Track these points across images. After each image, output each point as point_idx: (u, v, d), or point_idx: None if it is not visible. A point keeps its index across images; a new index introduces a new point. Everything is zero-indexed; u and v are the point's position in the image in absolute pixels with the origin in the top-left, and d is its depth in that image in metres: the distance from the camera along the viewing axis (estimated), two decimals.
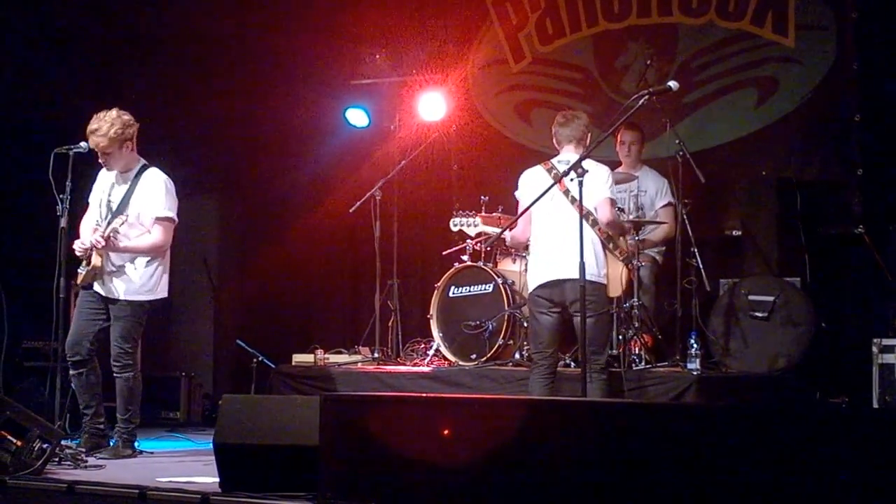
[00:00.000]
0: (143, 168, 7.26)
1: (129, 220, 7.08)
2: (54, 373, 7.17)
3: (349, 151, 10.70)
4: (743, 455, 4.09)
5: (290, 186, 11.21)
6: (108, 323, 7.20)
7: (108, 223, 7.08)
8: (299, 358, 9.13)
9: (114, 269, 7.14)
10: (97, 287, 7.15)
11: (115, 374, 7.13)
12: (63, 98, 9.63)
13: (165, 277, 7.34)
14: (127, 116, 7.16)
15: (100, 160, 7.19)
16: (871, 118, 8.41)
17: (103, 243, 7.02)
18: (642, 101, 6.64)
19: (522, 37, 10.12)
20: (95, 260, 7.09)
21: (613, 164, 8.67)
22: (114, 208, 7.16)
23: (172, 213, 7.24)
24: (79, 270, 7.19)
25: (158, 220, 7.17)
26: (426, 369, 8.32)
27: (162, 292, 7.33)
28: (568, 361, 7.94)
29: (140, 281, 7.17)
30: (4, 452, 5.86)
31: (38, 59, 9.91)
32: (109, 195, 7.24)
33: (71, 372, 7.15)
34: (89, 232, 7.24)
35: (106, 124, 7.06)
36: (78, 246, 7.14)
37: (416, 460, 4.67)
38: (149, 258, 7.20)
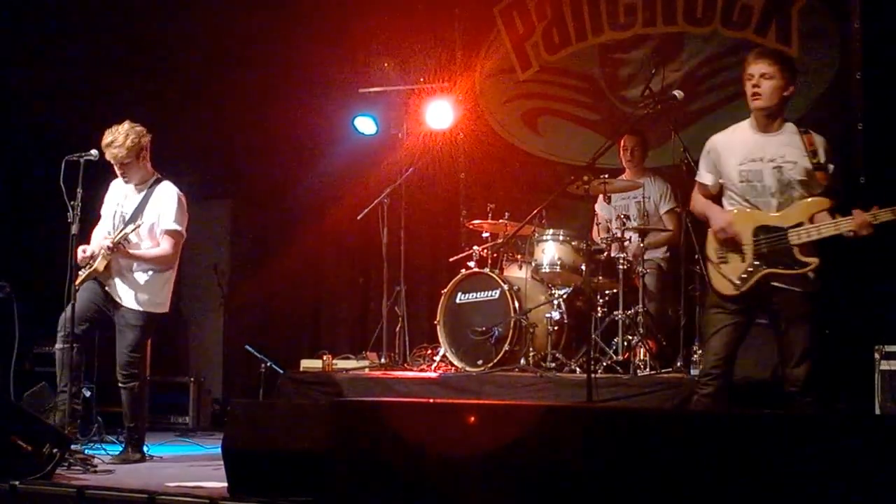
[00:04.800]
0: (157, 181, 7.32)
1: (141, 228, 7.16)
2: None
3: (357, 159, 10.74)
4: (746, 461, 4.12)
5: (299, 193, 11.27)
6: (107, 312, 7.26)
7: (121, 231, 7.15)
8: (307, 363, 9.17)
9: (125, 276, 7.20)
10: (109, 290, 7.22)
11: (120, 384, 7.17)
12: (75, 105, 9.71)
13: (170, 291, 7.41)
14: (139, 127, 7.22)
15: (118, 172, 7.24)
16: (875, 127, 8.44)
17: (111, 246, 7.09)
18: (648, 109, 6.70)
19: (529, 46, 10.17)
20: (99, 264, 7.13)
21: (618, 173, 8.75)
22: (127, 218, 7.23)
23: (181, 227, 7.29)
24: (79, 272, 7.22)
25: (167, 232, 7.22)
26: (433, 375, 8.35)
27: (166, 306, 7.39)
28: (574, 368, 8.00)
29: (154, 293, 7.23)
30: (15, 457, 5.92)
31: (50, 67, 9.99)
32: (123, 206, 7.30)
33: (58, 346, 7.12)
34: (99, 241, 7.31)
35: (121, 136, 7.12)
36: (81, 252, 7.19)
37: (424, 465, 4.70)
38: (160, 270, 7.26)
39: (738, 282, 5.89)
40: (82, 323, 7.14)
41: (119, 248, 7.10)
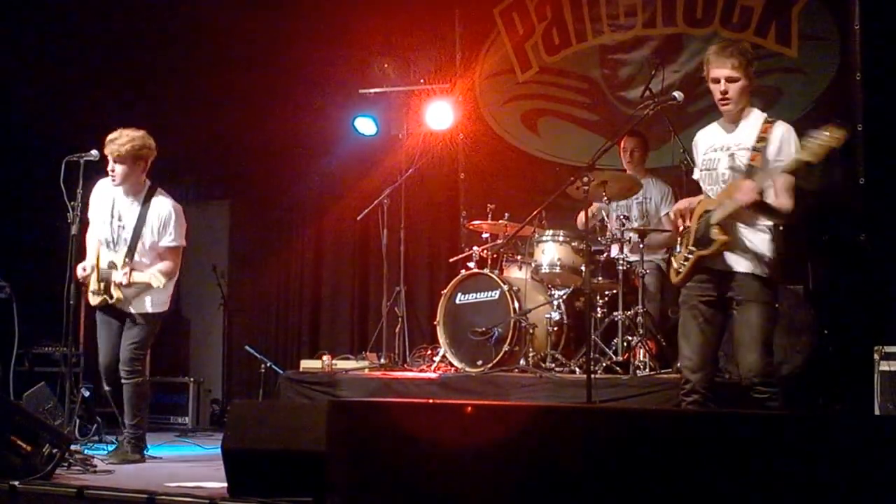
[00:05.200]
0: (151, 192, 7.31)
1: (141, 244, 7.19)
2: (64, 378, 7.27)
3: (357, 159, 10.77)
4: (746, 462, 4.12)
5: (299, 194, 11.30)
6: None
7: (127, 252, 7.16)
8: (307, 364, 9.18)
9: (133, 292, 7.23)
10: (118, 305, 7.25)
11: (123, 381, 7.19)
12: (75, 105, 9.72)
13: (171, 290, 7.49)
14: (149, 140, 7.24)
15: (109, 170, 7.19)
16: (874, 128, 8.46)
17: (126, 283, 7.11)
18: (648, 111, 6.71)
19: (529, 47, 10.18)
20: (116, 293, 7.16)
21: None
22: (127, 235, 7.21)
23: (182, 241, 7.35)
24: (91, 292, 7.28)
25: (170, 249, 7.27)
26: (433, 375, 8.35)
27: (168, 304, 7.45)
28: (573, 368, 8.01)
29: (158, 297, 7.27)
30: (14, 457, 5.91)
31: (50, 68, 10.00)
32: (119, 217, 7.27)
33: (107, 388, 7.31)
34: (94, 251, 7.30)
35: (126, 137, 7.14)
36: (81, 270, 7.23)
37: (423, 466, 4.69)
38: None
39: (679, 269, 5.94)
40: (116, 361, 7.24)
41: (129, 281, 7.13)
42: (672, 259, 6.13)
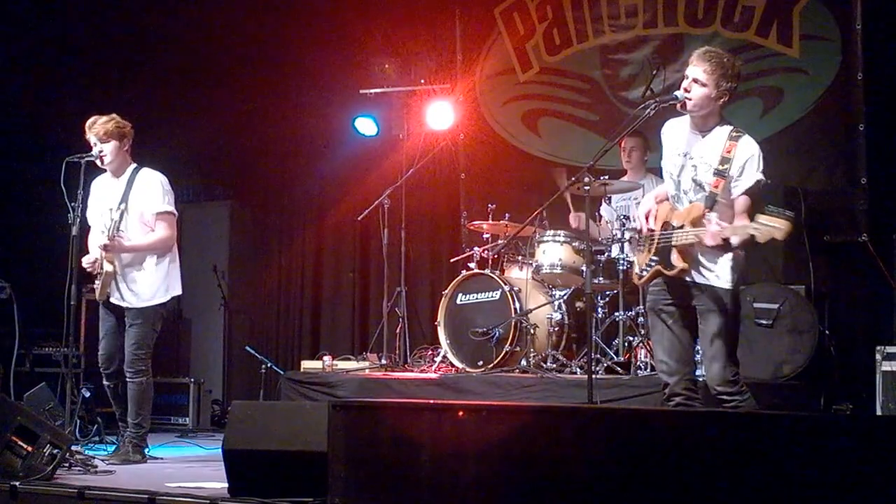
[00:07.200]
0: (137, 169, 7.36)
1: (129, 216, 7.18)
2: (65, 379, 7.27)
3: (358, 160, 10.76)
4: (747, 462, 4.12)
5: (299, 194, 11.30)
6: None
7: (111, 223, 7.16)
8: (307, 364, 9.18)
9: (125, 276, 7.22)
10: (113, 300, 7.24)
11: (127, 380, 7.20)
12: (75, 106, 9.71)
13: (177, 274, 7.45)
14: (125, 122, 7.35)
15: (96, 153, 7.23)
16: (876, 128, 8.45)
17: (108, 243, 7.10)
18: (648, 111, 6.69)
19: (530, 47, 10.17)
20: (107, 266, 7.15)
21: (619, 174, 8.74)
22: (115, 208, 7.22)
23: (172, 208, 7.36)
24: (94, 285, 7.28)
25: (160, 215, 7.27)
26: (433, 376, 8.35)
27: (174, 290, 7.42)
28: (574, 368, 8.00)
29: (153, 286, 7.26)
30: (15, 458, 5.92)
31: (51, 68, 10.01)
32: (109, 201, 7.29)
33: (105, 383, 7.35)
34: (97, 246, 7.32)
35: (105, 117, 7.27)
36: (86, 261, 7.23)
37: (423, 466, 4.69)
38: (157, 259, 7.28)
39: (640, 273, 5.89)
40: (116, 355, 7.29)
41: (115, 243, 7.11)
42: (635, 258, 6.02)
